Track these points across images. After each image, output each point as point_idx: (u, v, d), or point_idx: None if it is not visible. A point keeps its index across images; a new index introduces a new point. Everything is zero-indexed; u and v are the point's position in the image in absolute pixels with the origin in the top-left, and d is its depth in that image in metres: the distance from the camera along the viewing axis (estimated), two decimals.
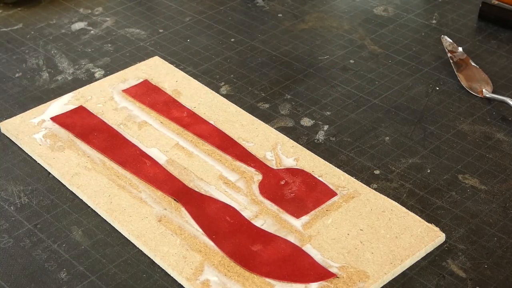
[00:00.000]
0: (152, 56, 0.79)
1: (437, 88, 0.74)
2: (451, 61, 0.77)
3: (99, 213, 0.59)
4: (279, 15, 0.88)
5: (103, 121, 0.68)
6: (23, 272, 0.54)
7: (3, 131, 0.68)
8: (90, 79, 0.76)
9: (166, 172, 0.62)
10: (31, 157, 0.65)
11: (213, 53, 0.80)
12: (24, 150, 0.66)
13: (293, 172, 0.62)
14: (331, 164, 0.63)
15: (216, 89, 0.74)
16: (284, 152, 0.64)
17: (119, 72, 0.76)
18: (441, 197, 0.61)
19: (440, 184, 0.62)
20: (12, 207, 0.60)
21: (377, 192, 0.60)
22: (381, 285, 0.53)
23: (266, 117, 0.70)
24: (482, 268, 0.54)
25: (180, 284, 0.53)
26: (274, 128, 0.68)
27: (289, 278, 0.53)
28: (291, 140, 0.66)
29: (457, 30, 0.84)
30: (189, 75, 0.75)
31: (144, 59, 0.78)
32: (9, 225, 0.58)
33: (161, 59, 0.78)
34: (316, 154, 0.64)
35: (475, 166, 0.64)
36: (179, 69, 0.77)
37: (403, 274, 0.54)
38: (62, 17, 0.87)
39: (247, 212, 0.58)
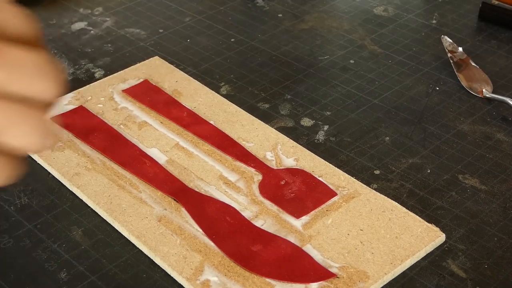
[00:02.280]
0: (152, 56, 0.79)
1: (437, 88, 0.74)
2: (451, 61, 0.77)
3: (99, 213, 0.59)
4: (279, 15, 0.88)
5: (103, 121, 0.68)
6: (23, 272, 0.54)
7: None
8: (90, 79, 0.76)
9: (166, 172, 0.62)
10: (31, 157, 0.65)
11: (213, 53, 0.80)
12: None
13: (293, 172, 0.62)
14: (331, 164, 0.63)
15: (216, 89, 0.74)
16: (284, 152, 0.64)
17: (119, 72, 0.76)
18: (441, 197, 0.61)
19: (440, 184, 0.62)
20: (12, 207, 0.60)
21: (377, 192, 0.60)
22: (381, 285, 0.53)
23: (266, 117, 0.70)
24: (482, 268, 0.54)
25: (180, 284, 0.53)
26: (274, 128, 0.68)
27: (289, 278, 0.52)
28: (291, 140, 0.66)
29: (457, 30, 0.84)
30: (189, 75, 0.75)
31: (144, 59, 0.78)
32: (9, 225, 0.58)
33: (161, 59, 0.78)
34: (316, 154, 0.64)
35: (475, 166, 0.64)
36: (179, 69, 0.77)
37: (403, 274, 0.54)
38: (62, 17, 0.87)
39: (247, 212, 0.58)
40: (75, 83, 0.75)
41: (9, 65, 0.30)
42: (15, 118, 0.31)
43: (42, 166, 0.64)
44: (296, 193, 0.60)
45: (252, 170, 0.62)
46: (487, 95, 0.72)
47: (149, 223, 0.57)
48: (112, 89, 0.73)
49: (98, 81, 0.74)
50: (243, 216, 0.58)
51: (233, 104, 0.71)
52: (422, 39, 0.83)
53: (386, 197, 0.59)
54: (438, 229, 0.57)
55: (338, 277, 0.53)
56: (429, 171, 0.63)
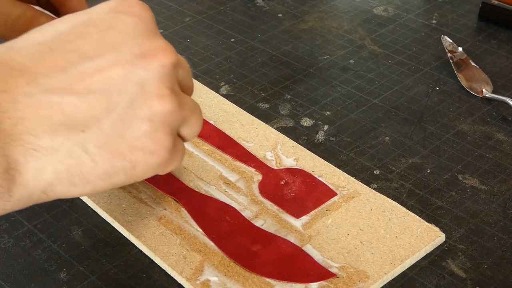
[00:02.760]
0: None
1: (437, 88, 0.74)
2: (451, 61, 0.77)
3: (99, 213, 0.59)
4: (279, 15, 0.88)
5: None
6: (23, 272, 0.54)
7: None
8: None
9: None
10: None
11: (213, 53, 0.80)
12: None
13: (293, 172, 0.62)
14: (331, 164, 0.63)
15: (216, 89, 0.74)
16: (284, 152, 0.64)
17: None
18: (441, 197, 0.61)
19: (440, 184, 0.62)
20: None
21: (377, 192, 0.60)
22: (381, 285, 0.53)
23: (266, 117, 0.70)
24: (482, 268, 0.54)
25: (180, 284, 0.53)
26: (274, 128, 0.68)
27: (289, 278, 0.53)
28: (291, 140, 0.66)
29: (457, 30, 0.84)
30: None
31: None
32: (9, 225, 0.58)
33: None
34: (316, 154, 0.64)
35: (475, 166, 0.64)
36: None
37: (403, 274, 0.54)
38: None
39: (247, 212, 0.58)
40: None
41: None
42: (193, 108, 0.43)
43: None
44: (296, 193, 0.60)
45: (252, 170, 0.62)
46: (487, 95, 0.72)
47: (149, 223, 0.57)
48: None
49: None
50: (243, 216, 0.58)
51: (233, 104, 0.71)
52: (422, 39, 0.83)
53: (386, 197, 0.59)
54: (438, 229, 0.57)
55: (338, 277, 0.53)
56: (429, 171, 0.63)
